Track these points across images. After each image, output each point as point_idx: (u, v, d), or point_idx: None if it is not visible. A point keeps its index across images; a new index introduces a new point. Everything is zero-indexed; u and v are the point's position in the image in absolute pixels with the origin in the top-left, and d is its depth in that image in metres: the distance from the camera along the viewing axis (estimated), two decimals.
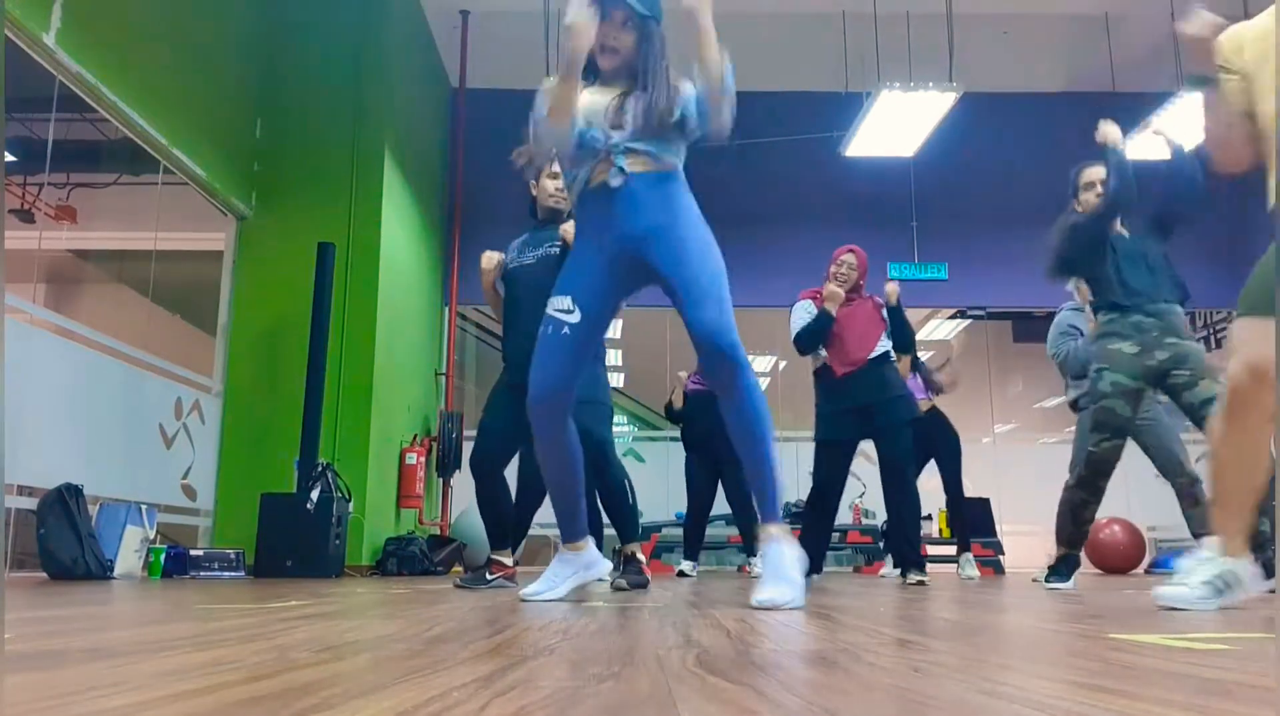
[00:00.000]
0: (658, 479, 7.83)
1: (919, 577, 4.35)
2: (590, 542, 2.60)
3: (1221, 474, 2.13)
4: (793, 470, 7.84)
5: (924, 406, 5.77)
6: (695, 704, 0.75)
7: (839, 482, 4.56)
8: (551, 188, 3.60)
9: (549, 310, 2.40)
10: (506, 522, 3.64)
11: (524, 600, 2.43)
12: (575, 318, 2.34)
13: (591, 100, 2.40)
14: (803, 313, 4.53)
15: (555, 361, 2.35)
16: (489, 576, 3.58)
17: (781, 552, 2.18)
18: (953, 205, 8.56)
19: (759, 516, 2.31)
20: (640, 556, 3.60)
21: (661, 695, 0.80)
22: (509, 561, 3.66)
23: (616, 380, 10.75)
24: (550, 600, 2.43)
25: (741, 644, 1.28)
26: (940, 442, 5.77)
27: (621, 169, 2.32)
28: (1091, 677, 0.92)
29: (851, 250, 4.64)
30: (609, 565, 2.54)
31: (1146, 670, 0.99)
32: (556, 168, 3.49)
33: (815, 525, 4.53)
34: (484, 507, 3.61)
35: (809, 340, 4.52)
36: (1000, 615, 1.97)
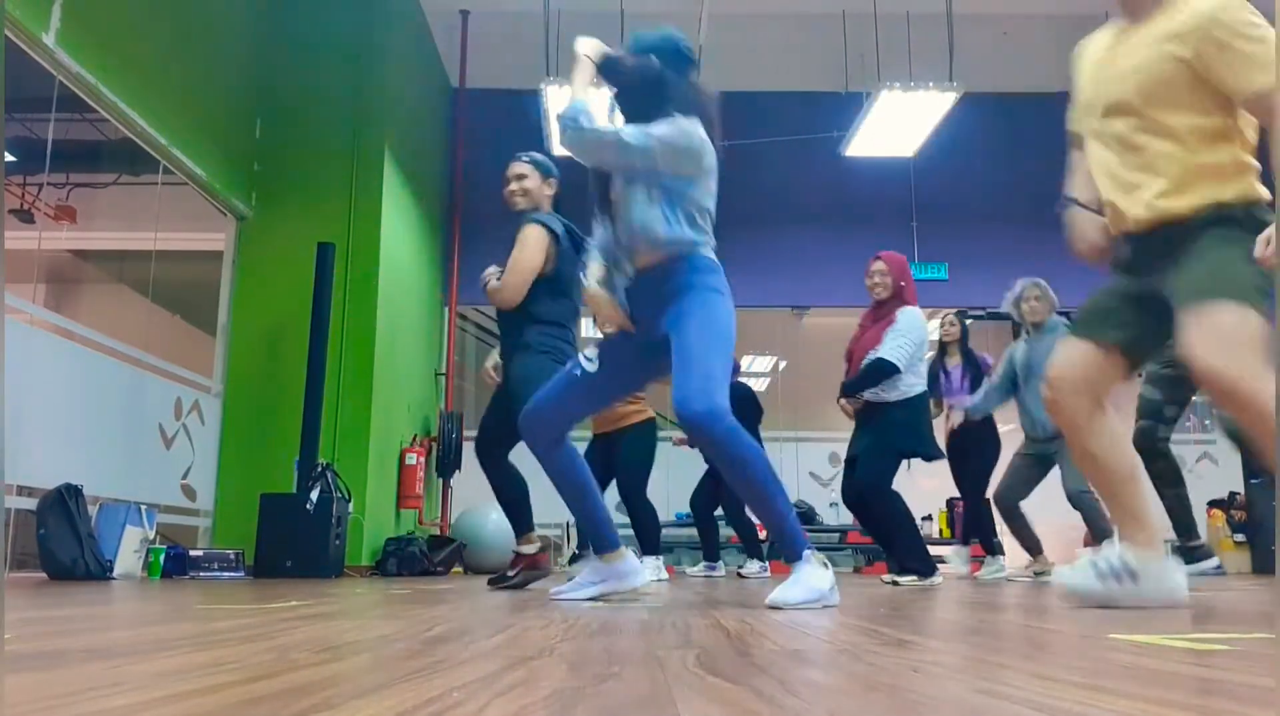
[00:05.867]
0: (658, 480, 7.81)
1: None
2: (627, 553, 2.65)
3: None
4: (793, 470, 7.84)
5: (956, 418, 5.28)
6: (695, 704, 0.75)
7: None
8: (511, 188, 3.73)
9: (581, 353, 2.62)
10: (521, 507, 3.68)
11: (552, 598, 2.59)
12: (592, 367, 2.55)
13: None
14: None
15: (555, 389, 2.57)
16: (509, 573, 3.61)
17: (806, 571, 2.25)
18: (953, 205, 8.56)
19: (784, 558, 2.33)
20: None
21: (661, 695, 0.80)
22: (531, 549, 3.65)
23: None
24: (573, 600, 2.53)
25: (741, 644, 1.28)
26: (983, 450, 5.47)
27: (624, 274, 2.53)
28: (1091, 677, 0.92)
29: (879, 258, 4.38)
30: (646, 576, 2.61)
31: (1146, 670, 0.99)
32: (512, 170, 3.70)
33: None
34: (497, 497, 3.71)
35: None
36: (1000, 615, 1.97)
